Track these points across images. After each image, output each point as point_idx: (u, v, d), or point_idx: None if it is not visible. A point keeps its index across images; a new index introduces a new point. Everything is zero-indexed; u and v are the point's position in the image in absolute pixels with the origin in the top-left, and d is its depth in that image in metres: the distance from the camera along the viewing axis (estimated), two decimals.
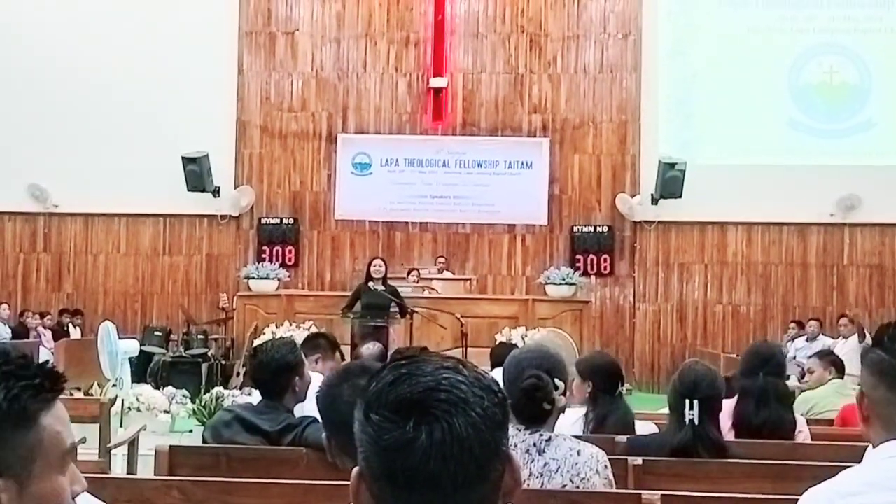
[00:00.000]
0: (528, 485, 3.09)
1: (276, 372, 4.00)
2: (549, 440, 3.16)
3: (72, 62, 15.61)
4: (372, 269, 11.15)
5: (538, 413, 3.14)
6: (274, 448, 3.87)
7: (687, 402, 3.87)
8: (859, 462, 2.19)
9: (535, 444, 3.14)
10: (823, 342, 12.62)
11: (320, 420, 2.86)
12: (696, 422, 3.86)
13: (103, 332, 9.80)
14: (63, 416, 1.64)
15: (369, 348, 6.47)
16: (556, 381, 3.15)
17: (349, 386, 2.63)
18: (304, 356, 4.24)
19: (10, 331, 14.64)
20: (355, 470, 1.39)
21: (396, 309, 10.94)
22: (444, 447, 1.29)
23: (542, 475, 3.12)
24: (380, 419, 1.32)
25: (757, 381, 4.68)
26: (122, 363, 9.78)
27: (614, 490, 3.25)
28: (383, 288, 10.99)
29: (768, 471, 3.84)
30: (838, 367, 6.64)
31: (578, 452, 3.17)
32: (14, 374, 1.58)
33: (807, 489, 2.13)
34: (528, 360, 3.19)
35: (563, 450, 3.16)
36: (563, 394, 3.17)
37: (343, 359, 5.39)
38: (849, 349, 11.12)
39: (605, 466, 3.21)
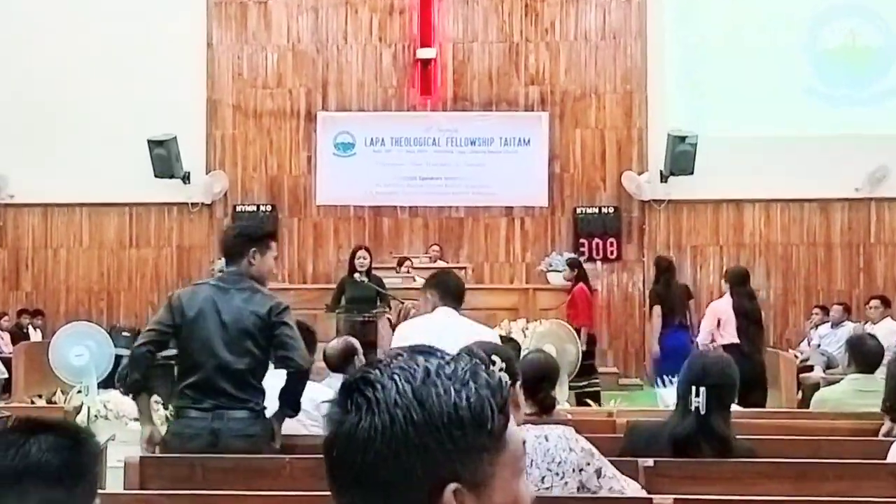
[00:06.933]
0: None
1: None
2: None
3: (24, 40, 15.58)
4: (356, 260, 11.15)
5: None
6: (254, 457, 3.90)
7: (694, 388, 3.84)
8: (882, 457, 2.21)
9: None
10: (849, 328, 12.59)
11: None
12: (703, 411, 3.82)
13: (65, 336, 9.69)
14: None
15: (334, 346, 6.58)
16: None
17: None
18: None
19: None
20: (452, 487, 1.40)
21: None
22: None
23: None
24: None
25: None
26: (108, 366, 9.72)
27: (613, 477, 3.30)
28: (368, 279, 10.99)
29: (788, 470, 3.87)
30: (863, 360, 6.14)
31: (546, 438, 3.23)
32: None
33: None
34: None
35: (530, 441, 3.20)
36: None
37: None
38: (881, 335, 10.73)
39: (577, 440, 3.29)
